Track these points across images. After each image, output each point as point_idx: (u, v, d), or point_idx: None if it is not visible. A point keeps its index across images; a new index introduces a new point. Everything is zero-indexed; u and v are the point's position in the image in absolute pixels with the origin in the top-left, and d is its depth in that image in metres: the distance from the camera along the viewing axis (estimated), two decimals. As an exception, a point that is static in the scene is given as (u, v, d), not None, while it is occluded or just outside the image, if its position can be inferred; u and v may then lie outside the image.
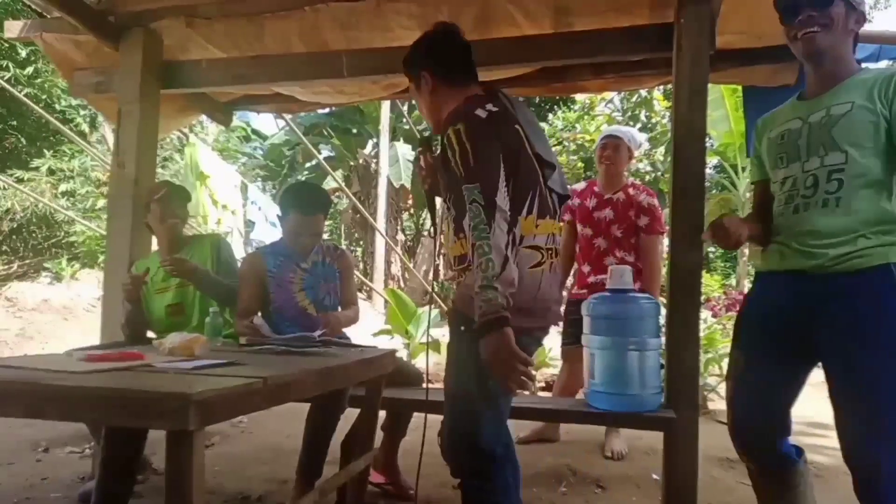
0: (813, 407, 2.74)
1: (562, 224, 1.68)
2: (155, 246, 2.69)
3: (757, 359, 1.68)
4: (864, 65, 1.62)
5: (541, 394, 4.89)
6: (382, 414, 2.05)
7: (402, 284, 13.58)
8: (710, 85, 2.26)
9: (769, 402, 1.67)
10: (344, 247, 2.56)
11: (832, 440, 1.61)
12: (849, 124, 1.50)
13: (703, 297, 2.21)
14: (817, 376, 1.62)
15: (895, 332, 1.43)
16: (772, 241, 1.67)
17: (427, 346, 1.88)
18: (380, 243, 12.75)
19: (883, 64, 2.80)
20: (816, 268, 1.53)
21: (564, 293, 3.37)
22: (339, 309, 2.48)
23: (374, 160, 13.74)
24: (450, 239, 1.59)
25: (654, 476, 2.71)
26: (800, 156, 1.59)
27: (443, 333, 4.90)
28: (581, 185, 3.30)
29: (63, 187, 9.48)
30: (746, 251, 8.00)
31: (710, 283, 10.49)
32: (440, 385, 1.70)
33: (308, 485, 2.16)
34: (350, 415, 2.23)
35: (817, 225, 1.53)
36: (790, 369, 1.64)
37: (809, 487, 1.72)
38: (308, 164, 14.49)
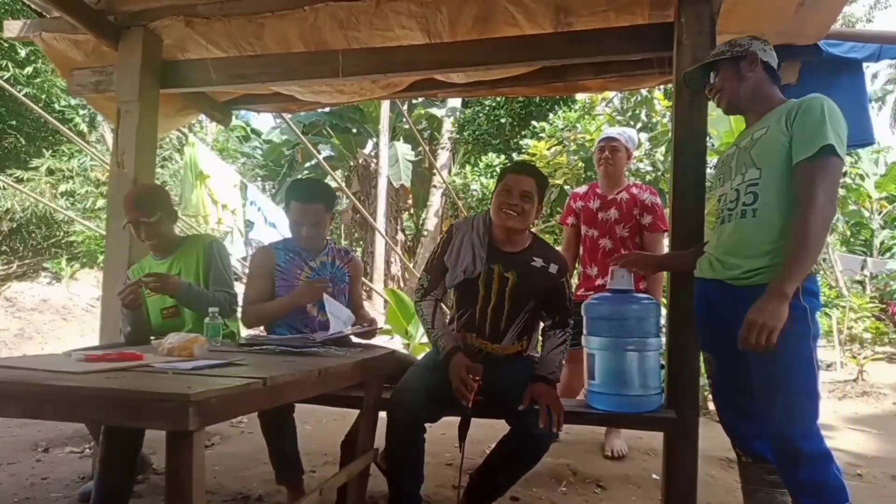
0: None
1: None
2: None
3: (720, 360, 1.90)
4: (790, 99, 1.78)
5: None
6: (383, 414, 2.05)
7: (402, 284, 13.57)
8: (710, 84, 2.26)
9: (745, 400, 1.83)
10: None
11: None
12: (764, 145, 1.71)
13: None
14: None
15: (793, 338, 1.58)
16: (706, 251, 1.92)
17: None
18: (380, 243, 12.75)
19: (883, 64, 2.81)
20: (732, 278, 1.74)
21: None
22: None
23: (374, 160, 13.74)
24: (506, 340, 2.10)
25: (654, 476, 2.70)
26: (730, 175, 1.82)
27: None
28: (583, 189, 3.29)
29: (62, 187, 9.47)
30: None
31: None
32: None
33: (296, 488, 2.21)
34: (350, 415, 2.23)
35: (735, 235, 1.74)
36: (746, 368, 1.75)
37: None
38: (308, 164, 14.49)
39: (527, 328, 2.13)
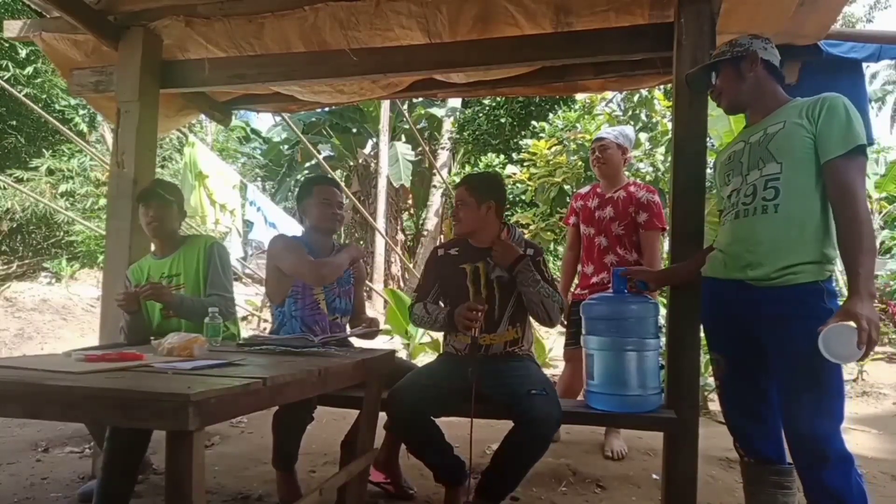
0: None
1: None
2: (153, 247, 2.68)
3: (733, 362, 1.84)
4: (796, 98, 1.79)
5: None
6: (384, 414, 2.05)
7: (401, 284, 13.57)
8: (710, 84, 2.26)
9: (754, 401, 1.81)
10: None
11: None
12: (783, 138, 1.68)
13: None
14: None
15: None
16: (716, 248, 1.86)
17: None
18: (380, 243, 12.74)
19: (883, 64, 2.82)
20: (755, 279, 1.69)
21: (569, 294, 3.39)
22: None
23: (374, 160, 13.74)
24: (501, 328, 2.18)
25: (654, 476, 2.71)
26: (742, 171, 1.78)
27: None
28: (585, 189, 3.31)
29: (62, 187, 9.46)
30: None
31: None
32: None
33: (289, 475, 2.27)
34: (350, 415, 2.23)
35: (757, 231, 1.69)
36: (760, 368, 1.77)
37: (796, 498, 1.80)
38: (307, 164, 14.48)
39: (517, 313, 2.21)
